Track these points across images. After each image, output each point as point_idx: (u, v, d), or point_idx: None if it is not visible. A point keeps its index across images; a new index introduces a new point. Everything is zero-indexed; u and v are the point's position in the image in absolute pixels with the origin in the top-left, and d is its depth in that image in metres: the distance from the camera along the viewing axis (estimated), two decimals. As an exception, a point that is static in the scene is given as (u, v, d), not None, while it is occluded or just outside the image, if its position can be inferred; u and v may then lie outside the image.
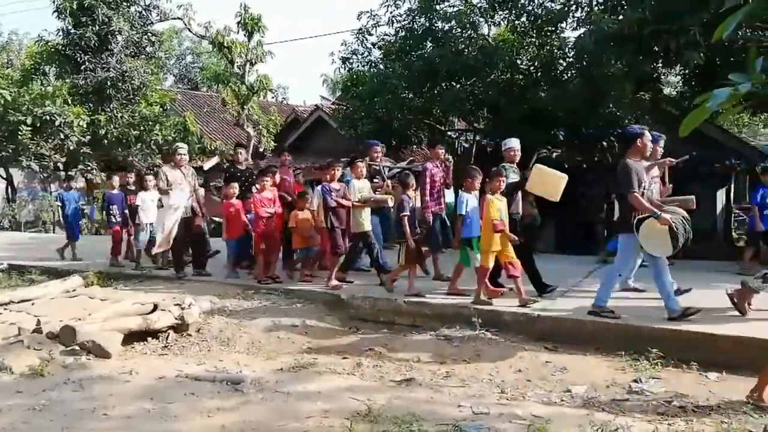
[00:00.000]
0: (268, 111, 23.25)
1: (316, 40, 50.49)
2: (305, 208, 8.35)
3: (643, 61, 9.56)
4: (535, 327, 6.02)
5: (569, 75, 12.40)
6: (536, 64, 12.51)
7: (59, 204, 12.26)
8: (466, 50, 12.35)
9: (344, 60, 14.92)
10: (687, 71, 11.31)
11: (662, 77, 12.99)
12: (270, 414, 4.23)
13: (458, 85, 12.84)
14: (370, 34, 14.42)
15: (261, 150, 23.13)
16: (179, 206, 8.63)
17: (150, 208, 9.79)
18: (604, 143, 11.01)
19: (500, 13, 13.16)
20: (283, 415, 4.19)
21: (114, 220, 10.54)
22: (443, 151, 8.14)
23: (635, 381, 4.84)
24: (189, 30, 21.87)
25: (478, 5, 13.38)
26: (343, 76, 18.70)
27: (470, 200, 6.87)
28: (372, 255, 7.83)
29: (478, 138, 15.69)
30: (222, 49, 20.81)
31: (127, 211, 10.60)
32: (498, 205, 6.52)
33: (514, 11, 12.68)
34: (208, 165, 22.18)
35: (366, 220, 7.80)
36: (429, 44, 13.32)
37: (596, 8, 10.79)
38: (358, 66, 14.95)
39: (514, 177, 7.08)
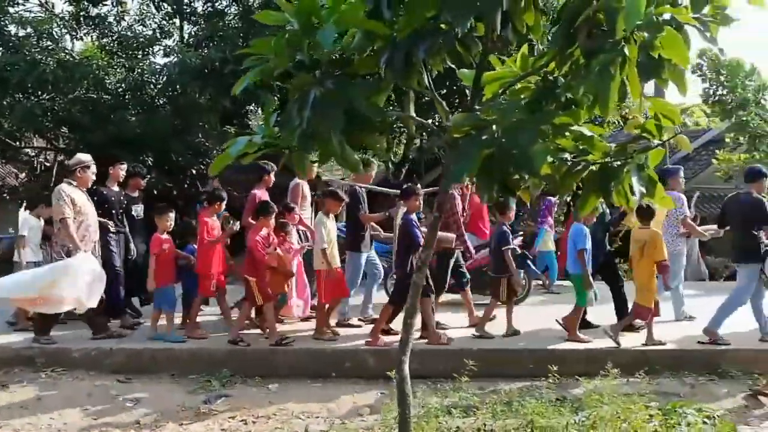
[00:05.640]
0: None
1: None
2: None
3: (224, 97, 10.19)
4: (109, 361, 5.77)
5: (160, 101, 12.40)
6: (125, 86, 12.16)
7: None
8: (44, 61, 11.24)
9: None
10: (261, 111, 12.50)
11: (249, 113, 14.06)
12: None
13: (34, 99, 11.56)
14: None
15: None
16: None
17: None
18: (193, 171, 11.32)
19: (85, 28, 12.41)
20: None
21: None
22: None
23: (205, 402, 5.07)
24: None
25: (61, 16, 12.37)
26: None
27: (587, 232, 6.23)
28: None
29: (60, 158, 14.38)
30: None
31: None
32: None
33: (99, 29, 12.11)
34: None
35: None
36: (-1, 49, 11.71)
37: (182, 42, 11.12)
38: None
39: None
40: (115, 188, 7.08)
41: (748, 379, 5.53)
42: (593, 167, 2.55)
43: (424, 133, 11.57)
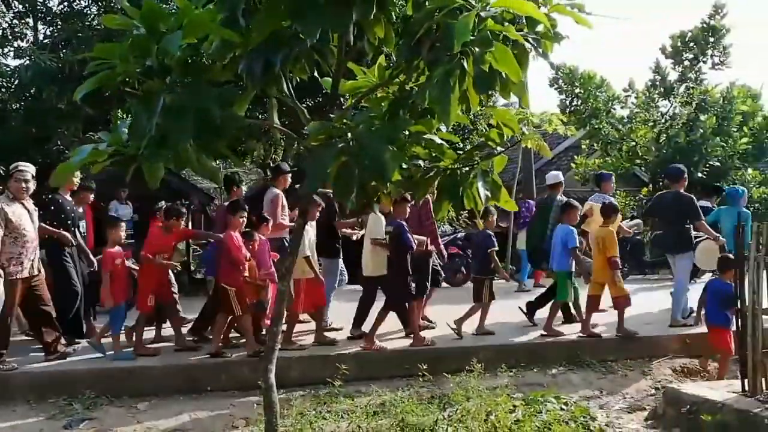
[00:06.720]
0: None
1: None
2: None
3: (86, 103, 9.59)
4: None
5: (12, 106, 11.42)
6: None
7: None
8: None
9: None
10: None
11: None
12: None
13: None
14: None
15: None
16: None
17: None
18: (51, 182, 10.52)
19: None
20: None
21: None
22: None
23: (65, 427, 4.75)
24: None
25: None
26: None
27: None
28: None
29: None
30: None
31: None
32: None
33: (-62, 26, 10.97)
34: None
35: None
36: None
37: (36, 43, 10.34)
38: None
39: None
40: (69, 197, 6.45)
41: (603, 367, 6.04)
42: (445, 173, 2.69)
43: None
